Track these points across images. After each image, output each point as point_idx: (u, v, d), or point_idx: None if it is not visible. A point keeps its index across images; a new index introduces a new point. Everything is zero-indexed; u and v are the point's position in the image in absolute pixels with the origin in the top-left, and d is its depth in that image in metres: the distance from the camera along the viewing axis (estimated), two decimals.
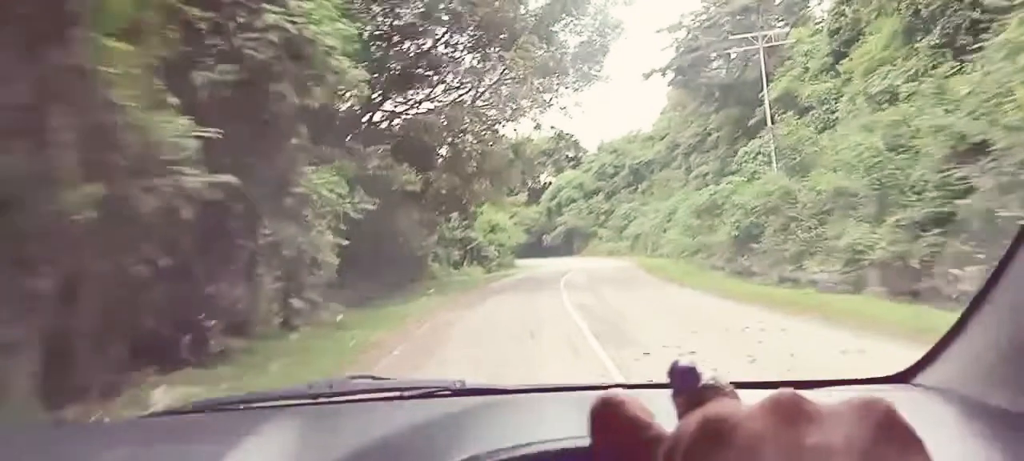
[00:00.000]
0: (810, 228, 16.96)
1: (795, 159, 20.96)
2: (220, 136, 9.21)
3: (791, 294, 14.41)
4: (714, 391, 0.45)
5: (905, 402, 1.15)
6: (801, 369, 7.05)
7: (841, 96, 23.54)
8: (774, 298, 13.78)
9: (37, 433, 1.90)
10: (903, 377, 1.38)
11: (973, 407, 1.11)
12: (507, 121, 27.89)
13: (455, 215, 30.39)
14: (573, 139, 69.34)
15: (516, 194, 42.46)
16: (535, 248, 58.68)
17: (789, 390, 0.39)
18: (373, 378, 1.75)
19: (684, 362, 0.48)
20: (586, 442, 0.49)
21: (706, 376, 0.47)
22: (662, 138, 59.59)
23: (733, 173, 41.94)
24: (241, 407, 1.56)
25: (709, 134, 51.52)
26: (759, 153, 31.68)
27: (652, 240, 46.87)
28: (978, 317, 1.18)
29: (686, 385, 0.47)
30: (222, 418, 1.53)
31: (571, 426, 0.86)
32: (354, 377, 1.79)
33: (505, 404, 1.37)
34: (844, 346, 7.94)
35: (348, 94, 21.16)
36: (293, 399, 1.57)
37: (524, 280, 28.02)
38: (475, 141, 25.58)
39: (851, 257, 14.07)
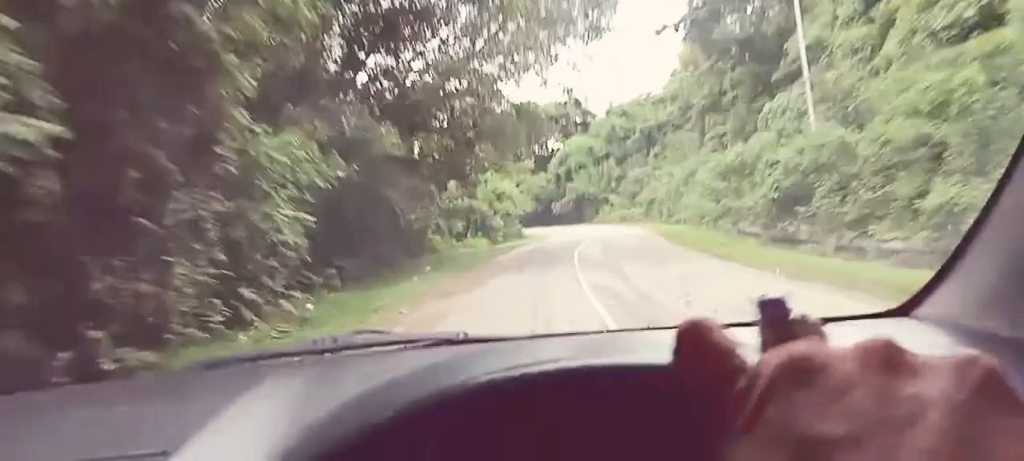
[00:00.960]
0: (875, 187, 13.76)
1: (846, 108, 17.62)
2: (98, 78, 6.13)
3: (869, 269, 11.26)
4: (803, 327, 0.42)
5: (905, 335, 1.03)
6: None
7: (881, 40, 20.18)
8: (857, 276, 10.51)
9: (32, 396, 1.63)
10: (903, 310, 1.36)
11: (973, 336, 1.10)
12: (509, 78, 24.62)
13: (454, 184, 27.25)
14: (582, 105, 66.03)
15: (522, 160, 39.22)
16: (544, 216, 55.56)
17: (885, 337, 0.37)
18: (376, 332, 1.75)
19: (772, 294, 0.44)
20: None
21: (796, 312, 0.44)
22: (673, 100, 56.22)
23: (753, 132, 38.76)
24: (246, 364, 1.55)
25: (724, 93, 48.22)
26: (787, 109, 28.31)
27: (668, 206, 43.72)
28: (975, 245, 1.17)
29: (774, 316, 0.43)
30: (223, 375, 1.52)
31: (563, 365, 0.86)
32: (359, 332, 1.75)
33: (509, 348, 1.30)
34: None
35: (321, 47, 18.09)
36: (297, 354, 1.56)
37: (533, 253, 24.88)
38: (473, 101, 22.37)
39: (943, 220, 10.94)
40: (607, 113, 61.91)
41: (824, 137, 15.58)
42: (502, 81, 24.28)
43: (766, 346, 0.41)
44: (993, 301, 1.12)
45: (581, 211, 57.30)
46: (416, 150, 19.87)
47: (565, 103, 64.88)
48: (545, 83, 24.32)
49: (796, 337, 0.39)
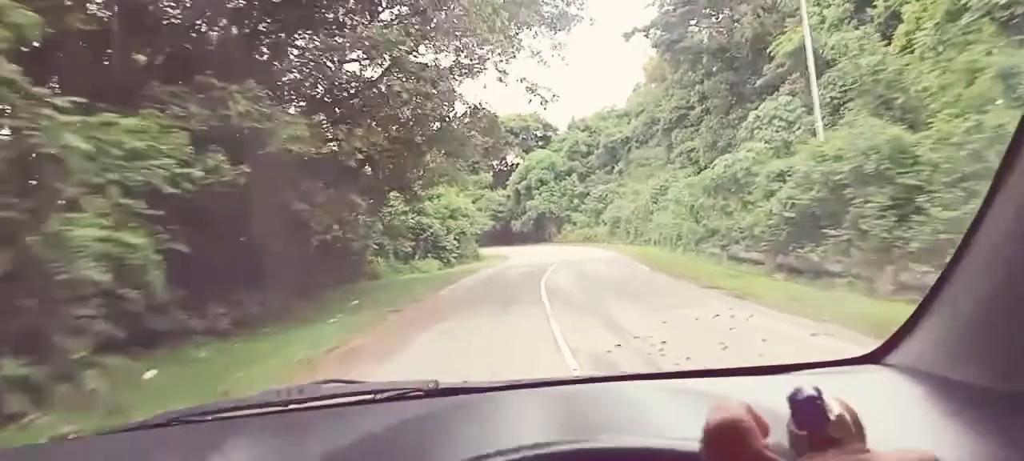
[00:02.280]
0: (951, 204, 9.86)
1: (895, 102, 13.70)
2: None
3: None
4: (840, 429, 0.41)
5: (874, 383, 1.22)
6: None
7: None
8: None
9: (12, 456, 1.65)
10: (872, 358, 1.34)
11: (941, 384, 1.09)
12: (465, 75, 20.36)
13: (398, 199, 22.92)
14: (545, 105, 62.26)
15: (477, 172, 35.08)
16: (503, 235, 51.32)
17: (931, 454, 0.38)
18: (343, 382, 1.61)
19: (807, 391, 0.43)
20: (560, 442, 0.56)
21: (832, 411, 0.43)
22: (638, 114, 52.80)
23: (728, 146, 35.23)
24: (208, 418, 1.43)
25: (692, 107, 44.92)
26: (775, 117, 24.70)
27: (636, 225, 39.90)
28: (944, 293, 1.15)
29: (813, 425, 0.42)
30: (186, 431, 1.41)
31: (545, 423, 0.86)
32: (323, 382, 1.61)
33: (479, 403, 1.29)
34: None
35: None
36: (261, 407, 1.48)
37: (490, 283, 20.49)
38: (421, 97, 18.00)
39: None
40: (569, 127, 58.19)
41: (870, 137, 11.60)
42: (456, 79, 20.06)
43: (801, 450, 0.39)
44: (963, 348, 1.09)
45: (542, 230, 53.24)
46: (338, 149, 15.31)
47: (526, 116, 61.19)
48: (504, 78, 19.39)
49: (834, 443, 0.38)
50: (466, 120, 20.67)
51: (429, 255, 28.12)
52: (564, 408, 1.01)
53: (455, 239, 30.64)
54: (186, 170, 9.05)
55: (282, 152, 11.16)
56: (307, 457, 0.87)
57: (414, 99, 16.31)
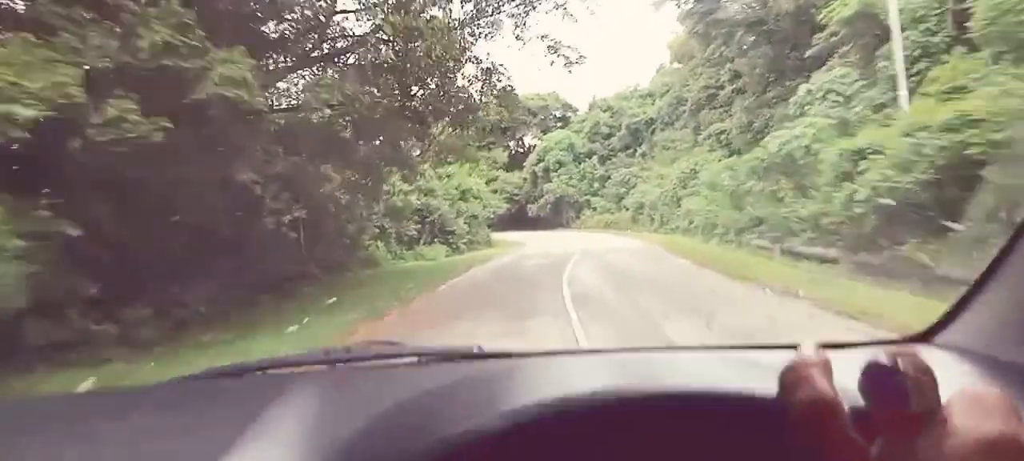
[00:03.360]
0: None
1: None
2: None
3: None
4: (923, 404, 0.38)
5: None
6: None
7: None
8: None
9: (48, 404, 1.55)
10: (923, 337, 1.30)
11: (995, 365, 1.06)
12: (477, 30, 17.19)
13: (396, 175, 19.83)
14: (560, 98, 58.93)
15: (490, 148, 31.89)
16: (518, 219, 48.12)
17: (1012, 430, 0.34)
18: (389, 343, 1.59)
19: (883, 361, 0.39)
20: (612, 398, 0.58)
21: (911, 388, 0.38)
22: (663, 94, 49.28)
23: (765, 127, 31.84)
24: (257, 373, 1.43)
25: (722, 87, 41.53)
26: (830, 91, 21.24)
27: (662, 212, 36.56)
28: (1000, 273, 1.12)
29: (893, 403, 0.38)
30: (237, 384, 1.43)
31: (596, 386, 0.81)
32: (371, 343, 1.61)
33: (526, 367, 1.22)
34: None
35: None
36: (310, 363, 1.49)
37: (501, 276, 17.30)
38: (425, 53, 14.83)
39: None
40: (590, 107, 54.74)
41: None
42: (468, 32, 16.88)
43: (879, 424, 0.37)
44: (1016, 330, 1.06)
45: (560, 214, 49.96)
46: (304, 104, 12.15)
47: (545, 95, 57.82)
48: (523, 33, 16.13)
49: (915, 418, 0.36)
50: (478, 85, 17.50)
51: (436, 240, 25.03)
52: (613, 372, 0.94)
53: (465, 223, 27.51)
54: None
55: (216, 100, 8.02)
56: (356, 413, 0.82)
57: (411, 48, 13.09)
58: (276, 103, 13.11)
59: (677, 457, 0.75)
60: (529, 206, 50.81)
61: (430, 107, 16.45)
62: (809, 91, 21.88)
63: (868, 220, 11.82)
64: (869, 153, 12.94)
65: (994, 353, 1.08)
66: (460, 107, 16.87)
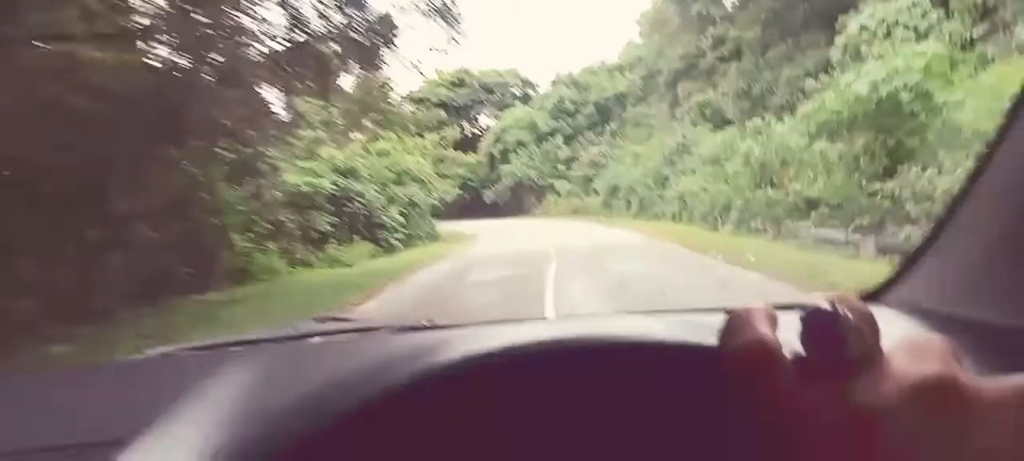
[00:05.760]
0: None
1: None
2: None
3: None
4: (861, 351, 0.36)
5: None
6: None
7: None
8: None
9: None
10: (873, 296, 1.23)
11: (942, 321, 1.03)
12: None
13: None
14: (518, 74, 52.31)
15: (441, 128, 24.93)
16: (474, 207, 41.42)
17: (949, 373, 0.34)
18: (338, 319, 1.55)
19: (821, 306, 0.36)
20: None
21: (849, 333, 0.36)
22: (634, 66, 43.11)
23: (769, 92, 25.85)
24: (203, 353, 1.37)
25: (702, 54, 35.59)
26: (897, 24, 14.98)
27: (641, 194, 30.34)
28: (951, 227, 1.09)
29: (830, 351, 0.36)
30: (179, 362, 1.35)
31: (532, 348, 0.72)
32: (322, 318, 1.53)
33: (477, 334, 0.94)
34: None
35: None
36: (261, 341, 1.36)
37: (433, 304, 10.61)
38: None
39: None
40: (554, 83, 48.20)
41: None
42: None
43: (818, 371, 0.35)
44: (965, 285, 1.04)
45: (520, 200, 43.47)
46: None
47: (502, 71, 51.14)
48: None
49: (853, 364, 0.34)
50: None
51: (357, 236, 18.14)
52: (561, 336, 0.81)
53: (401, 213, 20.63)
54: None
55: None
56: (306, 383, 0.73)
57: None
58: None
59: (608, 407, 0.68)
60: (485, 191, 44.11)
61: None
62: (864, 27, 15.61)
63: None
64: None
65: (944, 309, 1.06)
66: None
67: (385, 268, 14.67)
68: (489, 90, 50.42)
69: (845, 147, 10.85)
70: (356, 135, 18.34)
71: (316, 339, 1.36)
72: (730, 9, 31.78)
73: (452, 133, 40.80)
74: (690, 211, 22.11)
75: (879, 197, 10.36)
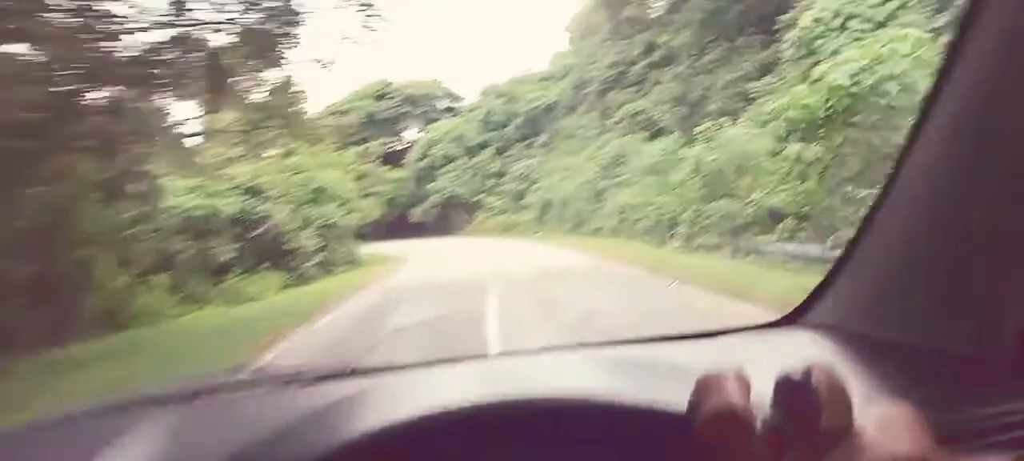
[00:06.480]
0: None
1: None
2: None
3: None
4: (835, 421, 0.36)
5: (794, 344, 1.16)
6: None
7: None
8: None
9: None
10: (791, 319, 1.25)
11: (859, 342, 1.04)
12: None
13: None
14: (443, 86, 50.47)
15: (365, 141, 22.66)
16: (400, 226, 39.14)
17: (922, 451, 0.34)
18: (257, 370, 1.43)
19: (796, 373, 0.37)
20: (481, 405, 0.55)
21: (823, 404, 0.36)
22: (564, 76, 42.05)
23: (702, 97, 25.08)
24: (107, 412, 1.22)
25: (633, 62, 34.82)
26: (852, 16, 13.93)
27: (577, 209, 28.92)
28: (861, 248, 1.09)
29: (804, 421, 0.36)
30: (82, 425, 1.20)
31: (460, 396, 0.78)
32: (236, 370, 1.41)
33: (401, 381, 1.16)
34: None
35: None
36: (171, 399, 1.21)
37: (346, 344, 8.66)
38: None
39: None
40: (483, 93, 46.56)
41: None
42: None
43: (790, 440, 0.35)
44: (880, 304, 1.04)
45: (448, 219, 41.44)
46: None
47: (428, 82, 49.18)
48: None
49: (826, 435, 0.34)
50: None
51: (264, 265, 15.80)
52: (486, 379, 0.90)
53: (317, 236, 18.34)
54: None
55: None
56: (217, 443, 0.77)
57: None
58: None
59: None
60: (412, 210, 41.92)
61: None
62: (817, 20, 14.54)
63: None
64: None
65: (860, 329, 1.06)
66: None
67: (292, 304, 12.46)
68: (414, 102, 48.39)
69: (822, 148, 9.48)
70: (266, 149, 16.04)
71: (230, 393, 1.24)
72: (660, 14, 30.83)
73: (375, 147, 38.53)
74: (632, 226, 20.71)
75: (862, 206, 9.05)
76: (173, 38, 10.16)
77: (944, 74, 0.84)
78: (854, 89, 9.07)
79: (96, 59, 9.79)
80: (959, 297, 0.89)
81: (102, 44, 10.02)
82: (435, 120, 47.12)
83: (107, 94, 9.65)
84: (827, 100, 9.46)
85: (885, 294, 1.04)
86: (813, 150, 9.72)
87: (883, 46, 9.13)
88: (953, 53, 0.83)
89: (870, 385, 0.91)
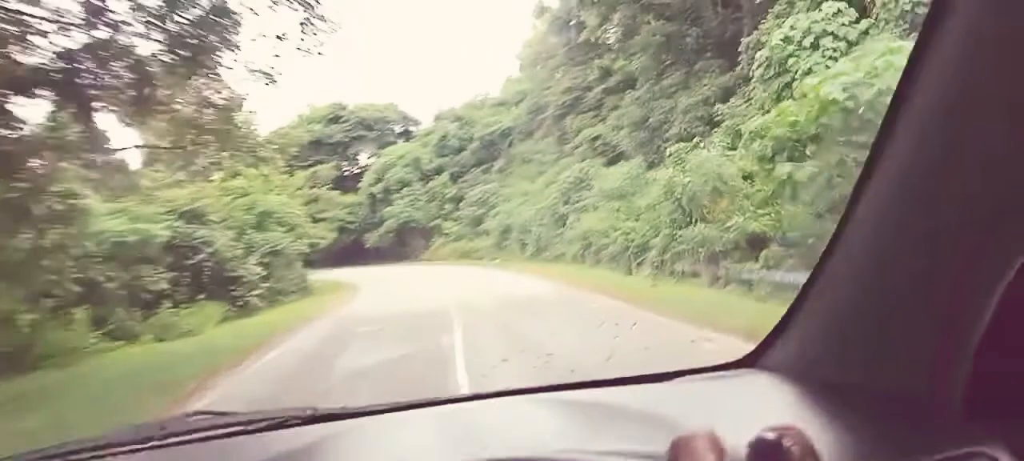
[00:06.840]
0: None
1: None
2: None
3: None
4: None
5: (750, 387, 1.15)
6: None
7: None
8: None
9: None
10: (748, 362, 1.24)
11: (814, 386, 1.03)
12: None
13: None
14: (398, 109, 49.29)
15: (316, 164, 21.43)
16: (354, 252, 37.66)
17: None
18: (212, 414, 1.33)
19: (769, 436, 0.41)
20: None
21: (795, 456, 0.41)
22: (519, 102, 41.47)
23: (665, 121, 24.66)
24: (57, 459, 1.19)
25: (589, 88, 34.47)
26: (825, 33, 13.53)
27: (538, 234, 28.04)
28: (814, 293, 1.07)
29: None
30: None
31: (433, 443, 0.74)
32: (191, 414, 1.34)
33: (362, 427, 1.17)
34: None
35: None
36: (119, 446, 1.20)
37: (293, 389, 7.51)
38: None
39: None
40: (436, 118, 45.55)
41: None
42: None
43: None
44: (834, 349, 1.02)
45: (404, 244, 40.09)
46: None
47: (381, 105, 47.98)
48: None
49: None
50: None
51: (203, 295, 14.40)
52: (452, 426, 0.89)
53: (263, 265, 16.97)
54: None
55: None
56: None
57: None
58: None
59: None
60: (366, 235, 40.46)
61: None
62: (787, 39, 14.06)
63: None
64: None
65: (815, 373, 1.05)
66: None
67: (233, 338, 11.16)
68: (368, 126, 47.06)
69: (814, 167, 8.78)
70: (204, 169, 14.68)
71: (184, 438, 1.17)
72: (615, 40, 30.41)
73: (327, 171, 37.08)
74: (597, 253, 19.89)
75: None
76: (92, 43, 8.94)
77: (909, 77, 0.80)
78: (848, 103, 8.40)
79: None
80: (910, 340, 0.86)
81: (9, 47, 8.75)
82: (390, 143, 45.89)
83: (9, 103, 8.34)
84: (818, 116, 8.78)
85: (836, 340, 1.01)
86: (807, 170, 9.02)
87: (878, 58, 8.51)
88: (919, 56, 0.79)
89: (822, 428, 0.87)
